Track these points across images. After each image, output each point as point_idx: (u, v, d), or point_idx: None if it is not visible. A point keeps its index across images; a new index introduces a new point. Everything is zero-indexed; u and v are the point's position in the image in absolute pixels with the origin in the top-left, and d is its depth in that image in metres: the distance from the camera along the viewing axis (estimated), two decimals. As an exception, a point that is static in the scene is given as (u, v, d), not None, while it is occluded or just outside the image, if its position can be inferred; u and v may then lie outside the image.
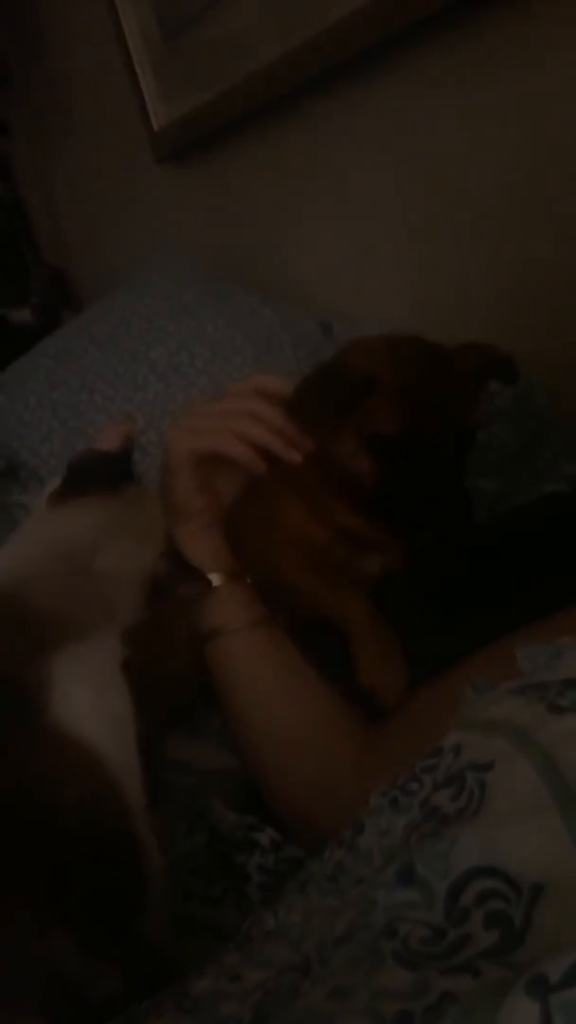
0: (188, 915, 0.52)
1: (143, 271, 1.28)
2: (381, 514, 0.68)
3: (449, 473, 0.65)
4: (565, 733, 0.36)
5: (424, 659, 0.61)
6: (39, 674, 0.45)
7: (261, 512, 0.71)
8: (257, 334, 1.10)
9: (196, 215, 1.50)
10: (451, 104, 0.94)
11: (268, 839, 0.53)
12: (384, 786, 0.42)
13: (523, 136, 0.88)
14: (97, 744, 0.43)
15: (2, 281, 1.94)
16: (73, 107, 1.77)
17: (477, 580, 0.66)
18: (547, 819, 0.34)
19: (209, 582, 0.63)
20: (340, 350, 0.74)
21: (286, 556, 0.69)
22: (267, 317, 1.13)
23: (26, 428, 1.05)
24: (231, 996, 0.35)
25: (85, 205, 1.88)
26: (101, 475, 0.58)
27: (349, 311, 1.17)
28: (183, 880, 0.54)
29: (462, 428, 0.66)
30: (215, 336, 1.09)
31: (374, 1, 0.92)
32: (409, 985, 0.30)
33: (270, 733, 0.61)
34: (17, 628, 0.48)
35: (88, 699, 0.45)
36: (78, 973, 0.38)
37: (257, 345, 1.09)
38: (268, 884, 0.51)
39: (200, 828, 0.57)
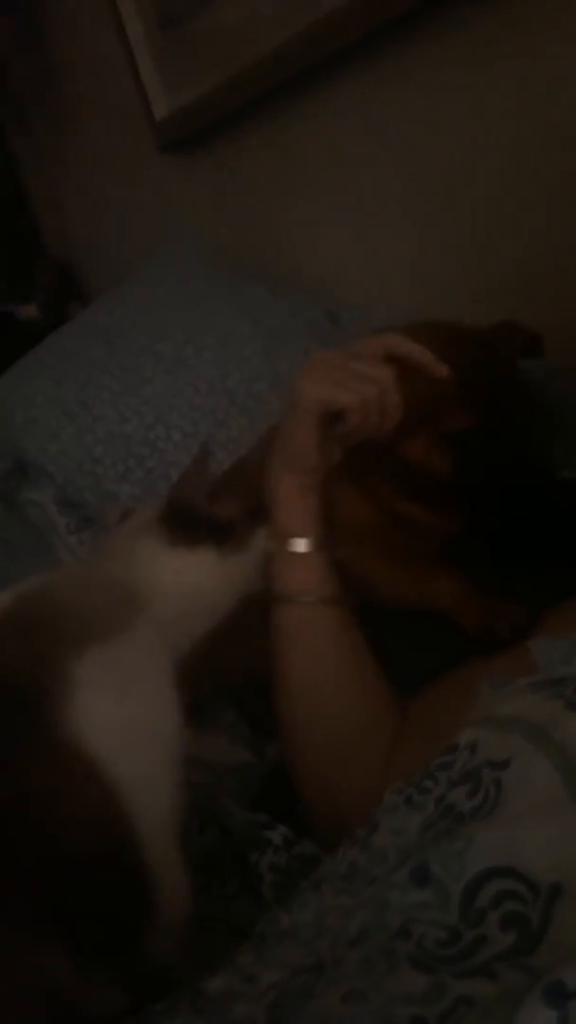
0: (202, 912, 0.52)
1: (149, 263, 1.28)
2: (462, 512, 0.66)
3: (528, 457, 0.64)
4: (582, 730, 0.36)
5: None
6: (58, 680, 0.43)
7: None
8: (265, 325, 1.09)
9: (201, 205, 1.49)
10: (456, 90, 0.93)
11: (280, 837, 0.53)
12: (399, 784, 0.42)
13: (530, 122, 0.86)
14: (109, 763, 0.42)
15: (8, 277, 1.93)
16: (75, 99, 1.76)
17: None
18: (565, 818, 0.33)
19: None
20: None
21: (362, 554, 0.67)
22: (274, 307, 1.12)
23: (33, 425, 1.05)
24: (245, 997, 0.35)
25: (89, 197, 1.88)
26: (207, 533, 0.56)
27: (357, 300, 1.16)
28: (198, 877, 0.54)
29: (530, 409, 0.65)
30: (222, 327, 1.08)
31: (376, -15, 0.91)
32: (424, 989, 0.29)
33: (321, 711, 0.60)
34: (40, 627, 0.47)
35: (107, 710, 0.44)
36: (74, 991, 0.38)
37: (265, 336, 1.08)
38: (281, 882, 0.50)
39: (213, 825, 0.56)
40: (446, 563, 0.67)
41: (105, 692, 0.44)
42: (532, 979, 0.27)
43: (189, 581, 0.54)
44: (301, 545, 0.62)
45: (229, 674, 0.70)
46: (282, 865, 0.51)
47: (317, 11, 1.00)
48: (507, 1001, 0.25)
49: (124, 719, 0.44)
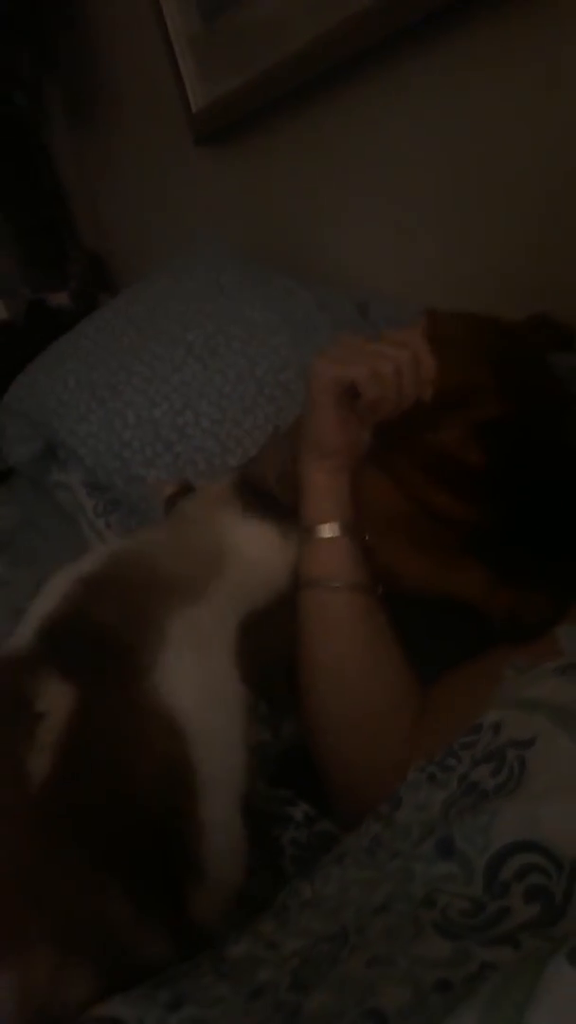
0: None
1: (181, 254, 1.29)
2: (492, 498, 0.66)
3: (562, 451, 0.64)
4: (608, 711, 0.36)
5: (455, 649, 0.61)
6: (148, 636, 0.46)
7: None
8: (294, 316, 1.10)
9: (234, 197, 1.49)
10: (487, 85, 0.92)
11: (302, 814, 0.53)
12: (422, 762, 0.42)
13: (565, 112, 0.86)
14: (184, 718, 0.44)
15: (41, 265, 1.95)
16: (113, 89, 1.77)
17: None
18: (589, 796, 0.34)
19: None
20: None
21: (390, 542, 0.67)
22: (304, 298, 1.12)
23: (64, 408, 1.06)
24: (268, 962, 0.36)
25: (123, 188, 1.89)
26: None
27: (385, 292, 1.16)
28: None
29: (563, 402, 0.65)
30: (252, 318, 1.09)
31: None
32: (449, 954, 0.30)
33: (345, 694, 0.60)
34: (136, 586, 0.50)
35: (190, 669, 0.46)
36: (128, 934, 0.39)
37: (294, 327, 1.08)
38: (302, 858, 0.51)
39: None
40: (473, 554, 0.66)
41: (188, 652, 0.47)
42: (556, 948, 0.27)
43: (256, 550, 0.57)
44: (328, 530, 0.62)
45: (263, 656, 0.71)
46: (303, 841, 0.51)
47: (349, 7, 1.01)
48: (532, 963, 0.25)
49: (201, 678, 0.46)
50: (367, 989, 0.29)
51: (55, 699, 0.43)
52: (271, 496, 0.59)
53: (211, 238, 1.29)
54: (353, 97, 1.13)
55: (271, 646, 0.61)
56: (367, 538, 0.64)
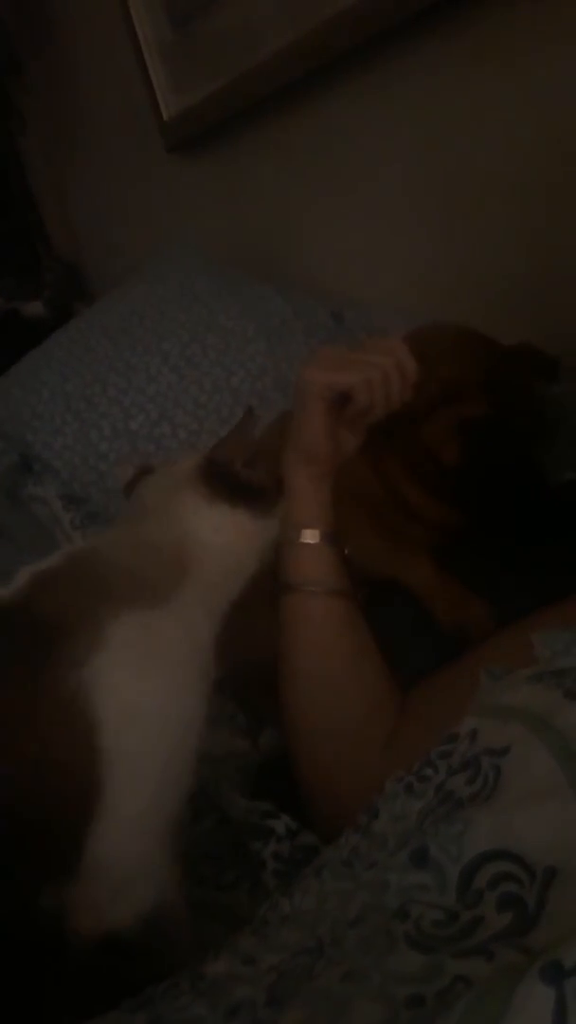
0: (202, 901, 0.52)
1: (155, 262, 1.28)
2: (458, 498, 0.69)
3: (530, 455, 0.67)
4: (581, 719, 0.36)
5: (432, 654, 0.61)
6: (91, 633, 0.43)
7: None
8: (269, 324, 1.10)
9: (207, 205, 1.49)
10: (461, 90, 0.93)
11: (284, 827, 0.53)
12: (400, 772, 0.42)
13: (534, 124, 0.87)
14: (102, 726, 0.41)
15: (14, 274, 1.94)
16: (83, 98, 1.77)
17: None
18: (562, 804, 0.34)
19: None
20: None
21: (350, 514, 0.68)
22: (279, 306, 1.13)
23: (39, 420, 1.05)
24: (246, 979, 0.36)
25: (96, 196, 1.88)
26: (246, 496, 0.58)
27: (360, 299, 1.17)
28: (194, 866, 0.54)
29: (538, 410, 0.68)
30: (227, 326, 1.09)
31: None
32: (421, 968, 0.30)
33: (324, 699, 0.60)
34: (88, 581, 0.47)
35: (123, 678, 0.43)
36: None
37: (269, 335, 1.09)
38: (284, 872, 0.51)
39: (208, 813, 0.57)
40: (429, 551, 0.69)
41: (129, 660, 0.44)
42: (528, 959, 0.27)
43: (225, 538, 0.55)
44: (311, 536, 0.63)
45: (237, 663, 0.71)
46: (285, 855, 0.51)
47: (322, 14, 1.01)
48: (505, 980, 0.25)
49: (137, 692, 0.44)
50: (340, 1006, 0.29)
51: None
52: (238, 479, 0.57)
53: (184, 246, 1.29)
54: (326, 104, 1.13)
55: (251, 643, 0.60)
56: (346, 551, 0.65)
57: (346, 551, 0.65)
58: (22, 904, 0.40)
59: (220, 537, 0.54)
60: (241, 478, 0.57)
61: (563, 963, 0.25)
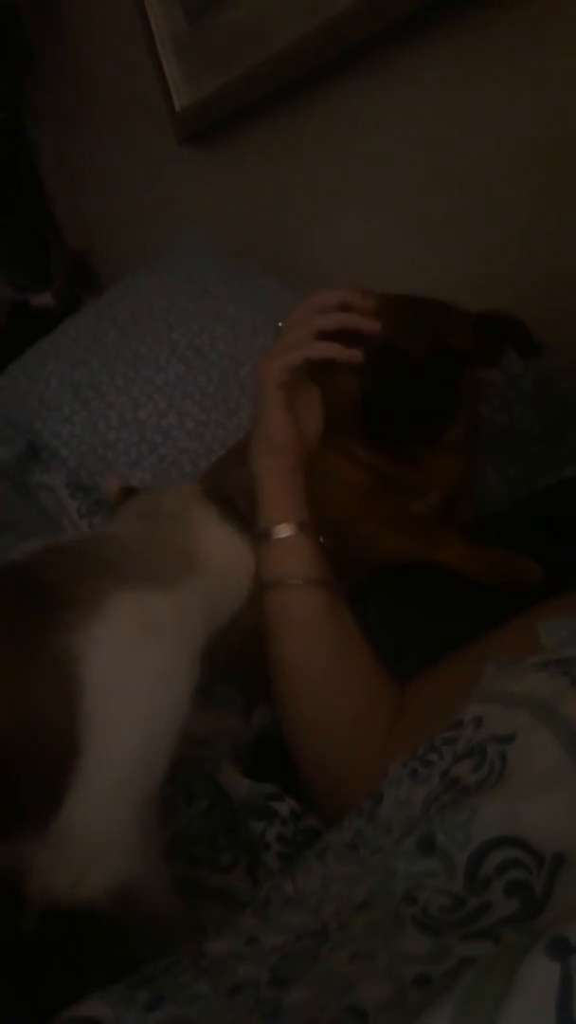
0: (198, 882, 0.52)
1: (164, 253, 1.28)
2: (370, 432, 0.68)
3: (428, 384, 0.65)
4: (588, 706, 0.36)
5: (443, 643, 0.61)
6: (91, 601, 0.44)
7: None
8: (278, 315, 1.10)
9: (217, 196, 1.49)
10: (469, 87, 0.93)
11: (288, 809, 0.53)
12: (404, 757, 0.42)
13: (541, 120, 0.87)
14: (88, 694, 0.42)
15: (24, 266, 1.94)
16: (95, 89, 1.76)
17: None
18: (569, 791, 0.34)
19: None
20: None
21: (368, 524, 0.69)
22: (288, 298, 1.13)
23: (47, 409, 1.06)
24: (248, 958, 0.36)
25: (107, 187, 1.88)
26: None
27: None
28: (189, 848, 0.54)
29: (445, 347, 0.66)
30: (236, 317, 1.09)
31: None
32: (428, 950, 0.30)
33: (315, 691, 0.60)
34: (97, 558, 0.49)
35: (116, 650, 0.44)
36: None
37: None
38: (287, 855, 0.51)
39: (202, 795, 0.57)
40: (449, 524, 0.69)
41: (124, 634, 0.45)
42: (535, 939, 0.27)
43: (229, 559, 0.57)
44: (284, 530, 0.63)
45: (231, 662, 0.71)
46: (289, 837, 0.51)
47: (333, 8, 1.02)
48: (510, 956, 0.25)
49: (127, 666, 0.44)
50: (347, 984, 0.29)
51: None
52: (240, 509, 0.61)
53: (194, 237, 1.29)
54: (335, 98, 1.13)
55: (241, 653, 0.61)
56: (322, 540, 0.65)
57: (321, 539, 0.64)
58: None
59: (223, 556, 0.57)
60: (242, 511, 0.61)
61: (569, 939, 0.25)
